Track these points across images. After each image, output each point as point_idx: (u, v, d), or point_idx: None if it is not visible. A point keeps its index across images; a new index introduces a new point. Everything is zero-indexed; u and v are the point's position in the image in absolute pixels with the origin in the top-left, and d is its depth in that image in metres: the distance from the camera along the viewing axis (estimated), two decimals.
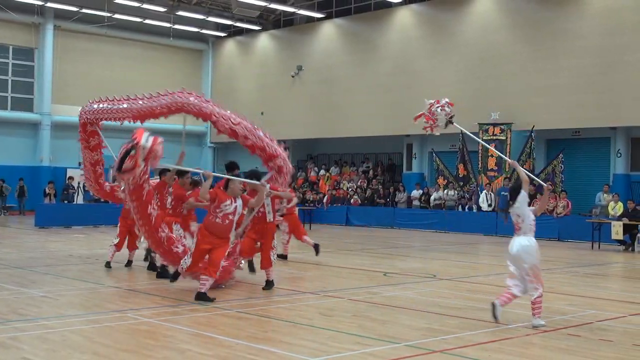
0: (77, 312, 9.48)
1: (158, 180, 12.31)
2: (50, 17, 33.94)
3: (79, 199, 29.43)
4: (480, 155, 27.53)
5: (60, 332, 8.15)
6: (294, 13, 35.19)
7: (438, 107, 10.18)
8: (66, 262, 14.30)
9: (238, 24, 37.01)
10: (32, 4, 32.38)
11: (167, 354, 7.15)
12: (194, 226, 12.28)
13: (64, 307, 9.78)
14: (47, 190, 29.10)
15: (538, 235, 9.08)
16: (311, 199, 31.28)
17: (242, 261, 12.15)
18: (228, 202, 10.23)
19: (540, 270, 8.94)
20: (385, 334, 8.27)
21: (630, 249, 20.78)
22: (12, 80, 34.03)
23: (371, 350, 7.47)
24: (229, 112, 11.74)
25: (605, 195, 24.21)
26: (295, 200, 15.85)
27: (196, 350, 7.28)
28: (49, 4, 32.69)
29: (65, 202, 28.66)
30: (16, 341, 7.60)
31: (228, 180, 10.42)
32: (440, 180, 28.62)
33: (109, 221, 15.86)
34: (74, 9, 33.17)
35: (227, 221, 10.24)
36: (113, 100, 13.09)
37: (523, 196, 8.98)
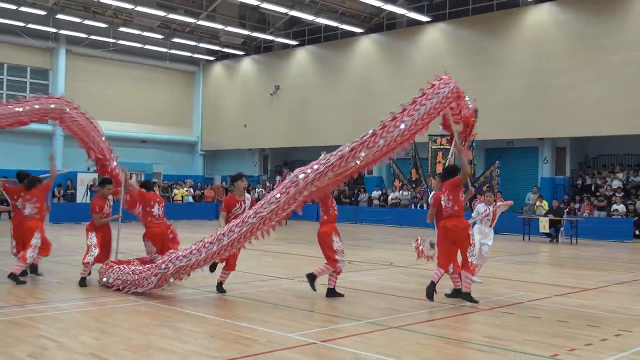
0: (87, 296, 9.37)
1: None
2: (63, 43, 33.51)
3: (86, 199, 29.07)
4: (429, 161, 27.64)
5: (71, 313, 8.05)
6: (272, 40, 35.22)
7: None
8: (78, 254, 14.10)
9: (225, 50, 36.83)
10: (47, 31, 31.95)
11: (164, 331, 7.10)
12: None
13: (75, 292, 9.67)
14: (56, 193, 29.16)
15: None
16: None
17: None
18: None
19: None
20: (351, 312, 8.28)
21: (555, 240, 21.03)
22: (29, 97, 33.38)
23: (338, 326, 7.48)
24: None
25: (533, 195, 24.46)
26: None
27: (189, 328, 7.23)
28: (62, 31, 32.33)
29: (64, 201, 29.57)
30: (33, 321, 7.50)
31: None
32: (396, 183, 28.69)
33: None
34: (84, 35, 32.80)
35: None
36: None
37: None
